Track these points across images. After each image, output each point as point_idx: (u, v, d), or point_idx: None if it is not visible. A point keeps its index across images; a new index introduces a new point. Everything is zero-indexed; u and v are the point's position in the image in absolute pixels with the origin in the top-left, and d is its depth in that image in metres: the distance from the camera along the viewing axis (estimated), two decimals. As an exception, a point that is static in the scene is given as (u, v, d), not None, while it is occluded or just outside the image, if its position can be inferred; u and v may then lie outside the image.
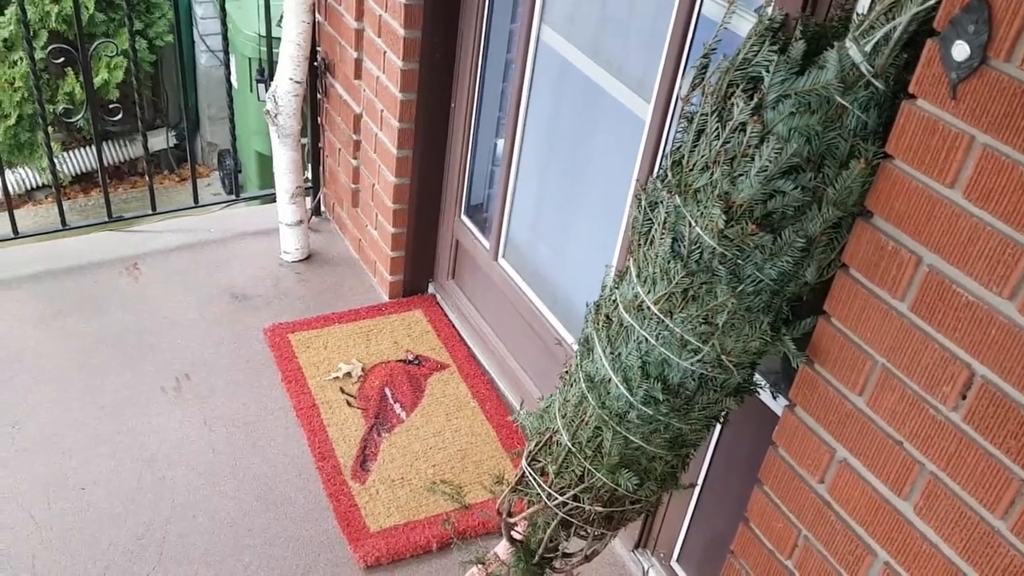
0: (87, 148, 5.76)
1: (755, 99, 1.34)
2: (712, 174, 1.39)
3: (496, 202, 2.90)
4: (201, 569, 2.33)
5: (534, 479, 1.67)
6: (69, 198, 5.68)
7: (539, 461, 1.70)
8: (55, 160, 3.55)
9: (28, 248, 3.38)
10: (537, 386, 2.79)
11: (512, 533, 1.79)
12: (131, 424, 2.69)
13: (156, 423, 2.71)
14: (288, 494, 2.54)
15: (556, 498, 1.64)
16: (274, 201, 3.44)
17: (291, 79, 3.11)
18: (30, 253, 3.35)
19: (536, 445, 1.70)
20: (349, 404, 2.81)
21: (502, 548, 1.88)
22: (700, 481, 2.16)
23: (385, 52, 2.88)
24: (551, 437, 1.68)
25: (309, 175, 3.62)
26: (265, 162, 5.02)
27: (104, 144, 5.62)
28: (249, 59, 4.97)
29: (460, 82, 2.90)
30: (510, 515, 1.77)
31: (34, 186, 5.77)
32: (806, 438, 1.55)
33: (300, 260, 3.44)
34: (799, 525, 1.60)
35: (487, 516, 1.87)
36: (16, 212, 3.38)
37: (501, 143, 2.86)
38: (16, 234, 3.33)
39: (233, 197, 4.09)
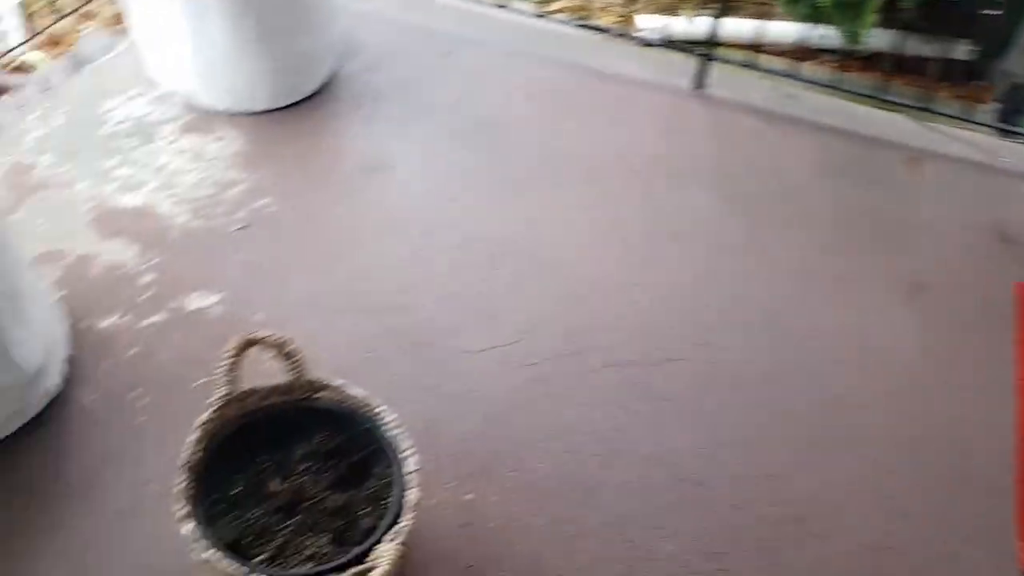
0: (905, 32, 5.66)
1: None
2: None
3: None
4: (852, 465, 2.29)
5: None
6: (845, 71, 5.71)
7: None
8: (868, 30, 3.58)
9: (819, 99, 3.48)
10: None
11: None
12: (849, 310, 2.67)
13: (877, 319, 2.65)
14: (967, 454, 2.32)
15: None
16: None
17: None
18: (819, 103, 3.45)
19: None
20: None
21: None
22: None
23: None
24: None
25: None
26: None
27: (916, 37, 5.49)
28: None
29: None
30: None
31: (833, 48, 5.90)
32: None
33: (1088, 227, 2.98)
34: None
35: None
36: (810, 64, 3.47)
37: None
38: (819, 85, 3.46)
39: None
